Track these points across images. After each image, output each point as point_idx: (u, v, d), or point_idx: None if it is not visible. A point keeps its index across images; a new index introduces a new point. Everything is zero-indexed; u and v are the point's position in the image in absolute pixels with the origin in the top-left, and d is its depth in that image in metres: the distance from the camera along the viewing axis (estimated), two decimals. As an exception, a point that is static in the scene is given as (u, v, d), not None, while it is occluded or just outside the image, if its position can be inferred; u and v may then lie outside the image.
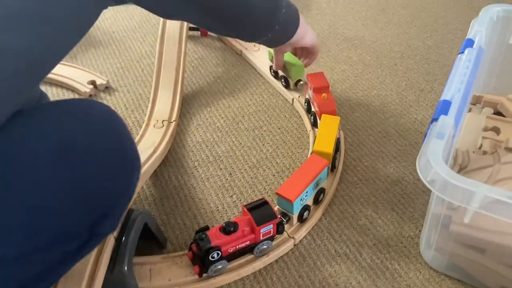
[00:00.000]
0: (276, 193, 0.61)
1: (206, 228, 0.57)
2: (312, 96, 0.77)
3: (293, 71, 0.84)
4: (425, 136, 0.54)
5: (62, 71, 0.93)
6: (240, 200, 0.70)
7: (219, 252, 0.55)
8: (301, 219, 0.64)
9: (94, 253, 0.50)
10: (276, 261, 0.61)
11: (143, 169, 0.66)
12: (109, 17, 1.14)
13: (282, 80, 0.88)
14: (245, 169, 0.75)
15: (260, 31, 0.62)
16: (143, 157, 0.71)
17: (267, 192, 0.71)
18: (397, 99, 0.88)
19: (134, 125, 0.84)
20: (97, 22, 1.22)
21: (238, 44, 1.01)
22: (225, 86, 0.92)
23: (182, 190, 0.72)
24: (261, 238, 0.58)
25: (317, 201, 0.66)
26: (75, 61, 0.99)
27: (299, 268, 0.60)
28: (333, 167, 0.70)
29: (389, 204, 0.68)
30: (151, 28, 1.10)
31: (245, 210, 0.58)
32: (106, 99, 0.89)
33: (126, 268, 0.50)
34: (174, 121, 0.81)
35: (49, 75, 0.93)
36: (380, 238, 0.63)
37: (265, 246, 0.59)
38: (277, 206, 0.63)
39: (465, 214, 0.50)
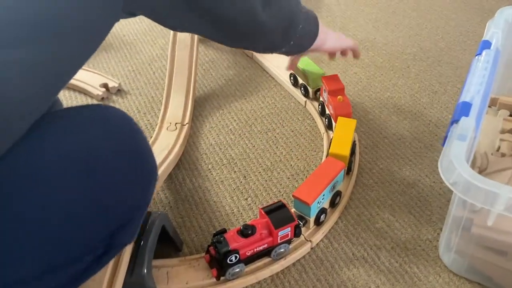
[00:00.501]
0: (293, 196, 0.60)
1: (224, 231, 0.57)
2: (327, 99, 0.77)
3: (312, 79, 0.82)
4: (445, 138, 0.54)
5: (74, 74, 0.93)
6: (255, 203, 0.69)
7: (237, 255, 0.55)
8: (318, 222, 0.63)
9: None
10: (294, 264, 0.61)
11: (158, 172, 0.66)
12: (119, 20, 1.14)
13: (302, 88, 0.86)
14: (259, 172, 0.74)
15: (275, 46, 0.60)
16: (157, 159, 0.70)
17: (282, 195, 0.71)
18: (411, 101, 0.87)
19: (147, 127, 0.84)
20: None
21: (249, 46, 1.01)
22: (237, 89, 0.92)
23: (197, 193, 0.71)
24: (279, 241, 0.58)
25: (333, 204, 0.65)
26: (87, 64, 0.98)
27: (317, 272, 0.60)
28: (348, 170, 0.70)
29: (406, 207, 0.67)
30: (161, 31, 1.10)
31: (263, 212, 0.58)
32: (119, 102, 0.89)
33: (145, 271, 0.49)
34: (187, 123, 0.81)
35: (62, 78, 0.93)
36: (398, 241, 0.63)
37: (282, 250, 0.59)
38: (294, 209, 0.63)
39: (488, 216, 0.50)
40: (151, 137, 0.79)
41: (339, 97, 0.74)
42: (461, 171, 0.47)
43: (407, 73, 0.95)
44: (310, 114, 0.85)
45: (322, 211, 0.63)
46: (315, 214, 0.62)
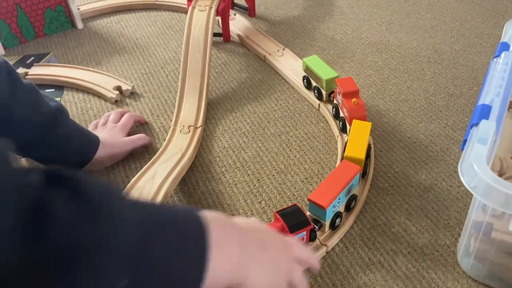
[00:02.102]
0: (308, 199, 0.60)
1: None
2: (341, 101, 0.76)
3: (326, 82, 0.81)
4: (464, 142, 0.53)
5: (88, 77, 0.94)
6: (269, 206, 0.69)
7: None
8: (333, 227, 0.62)
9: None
10: (308, 268, 0.60)
11: (173, 175, 0.65)
12: (132, 24, 1.15)
13: (315, 91, 0.85)
14: (273, 175, 0.74)
15: None
16: (171, 162, 0.70)
17: (296, 198, 0.70)
18: (426, 104, 0.86)
19: (160, 130, 0.84)
20: (120, 28, 1.23)
21: (262, 49, 1.01)
22: (250, 92, 0.92)
23: (210, 196, 0.71)
24: None
25: (348, 207, 0.65)
26: (100, 67, 0.99)
27: (332, 276, 0.59)
28: (364, 174, 0.69)
29: (423, 211, 0.66)
30: (174, 34, 1.11)
31: (278, 216, 0.57)
32: (132, 105, 0.90)
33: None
34: (200, 126, 0.81)
35: (76, 81, 0.94)
36: (415, 246, 0.62)
37: None
38: (309, 213, 0.62)
39: (509, 221, 0.49)
40: (164, 139, 0.79)
41: (353, 99, 0.73)
42: (482, 175, 0.46)
43: (421, 75, 0.93)
44: (323, 117, 0.84)
45: (338, 215, 0.62)
46: (331, 218, 0.61)
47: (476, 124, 0.52)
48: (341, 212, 0.63)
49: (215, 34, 1.04)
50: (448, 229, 0.64)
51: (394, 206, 0.67)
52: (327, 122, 0.83)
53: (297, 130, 0.82)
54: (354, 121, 0.70)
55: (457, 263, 0.59)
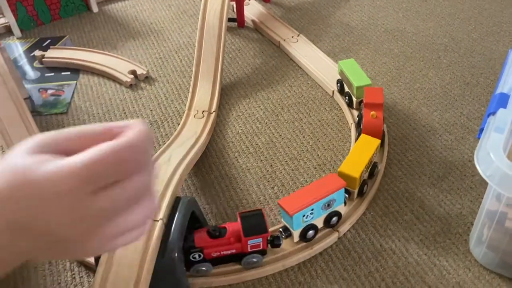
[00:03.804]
0: (278, 203, 0.58)
1: (199, 227, 0.56)
2: (363, 112, 0.72)
3: (357, 89, 0.76)
4: (480, 130, 0.53)
5: (103, 60, 0.95)
6: (282, 192, 0.69)
7: (201, 254, 0.54)
8: (304, 238, 0.59)
9: (144, 238, 0.51)
10: (320, 253, 0.60)
11: (187, 158, 0.66)
12: (147, 8, 1.15)
13: (346, 97, 0.80)
14: (286, 161, 0.74)
15: None
16: (185, 146, 0.71)
17: (309, 184, 0.70)
18: (442, 92, 0.85)
19: (174, 114, 0.84)
20: (135, 12, 1.23)
21: (276, 35, 1.01)
22: (264, 78, 0.92)
23: (223, 180, 0.72)
24: (249, 250, 0.55)
25: (328, 223, 0.60)
26: (115, 51, 1.00)
27: (344, 262, 0.59)
28: (361, 193, 0.65)
29: (436, 200, 0.66)
30: (188, 19, 1.10)
31: (238, 217, 0.56)
32: (146, 89, 0.90)
33: (176, 254, 0.50)
34: (214, 111, 0.81)
35: (92, 65, 0.94)
36: (427, 234, 0.62)
37: (255, 259, 0.56)
38: (283, 219, 0.60)
39: (524, 211, 0.49)
40: (179, 124, 0.79)
41: (372, 112, 0.67)
42: (498, 164, 0.46)
43: (438, 63, 0.92)
44: (337, 104, 0.84)
45: (311, 227, 0.58)
46: (301, 228, 0.58)
47: (493, 113, 0.52)
48: (316, 226, 0.59)
49: (229, 20, 1.04)
50: (461, 218, 0.64)
51: (407, 194, 0.67)
52: (341, 109, 0.83)
53: (310, 116, 0.82)
54: (362, 135, 0.66)
55: (469, 251, 0.59)
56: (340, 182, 0.58)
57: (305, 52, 0.94)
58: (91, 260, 0.59)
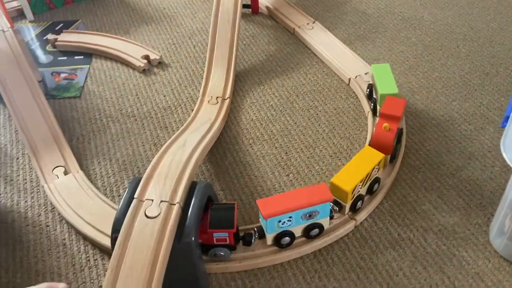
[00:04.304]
0: (256, 202, 0.56)
1: None
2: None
3: (381, 97, 0.71)
4: (505, 118, 0.51)
5: (117, 45, 0.94)
6: (297, 180, 0.69)
7: None
8: (279, 244, 0.57)
9: (160, 222, 0.50)
10: (337, 241, 0.60)
11: (203, 144, 0.65)
12: (159, -7, 1.13)
13: (373, 104, 0.75)
14: (301, 149, 0.73)
15: None
16: (200, 132, 0.70)
17: (324, 172, 0.69)
18: (461, 82, 0.84)
19: (187, 100, 0.83)
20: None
21: (291, 22, 0.99)
22: (278, 65, 0.90)
23: (238, 167, 0.71)
24: (215, 242, 0.54)
25: (308, 234, 0.58)
26: (127, 36, 0.99)
27: (361, 250, 0.59)
28: (353, 209, 0.61)
29: (455, 190, 0.65)
30: (202, 4, 1.09)
31: (209, 208, 0.55)
32: (160, 74, 0.89)
33: (193, 238, 0.50)
34: (228, 98, 0.80)
35: (105, 49, 0.94)
36: (445, 224, 0.61)
37: (222, 253, 0.55)
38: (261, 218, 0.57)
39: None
40: (192, 110, 0.78)
41: (385, 124, 0.63)
42: (527, 152, 0.44)
43: (456, 53, 0.90)
44: (353, 92, 0.83)
45: (287, 234, 0.56)
46: (275, 233, 0.56)
47: (521, 101, 0.50)
48: (293, 234, 0.56)
49: (243, 6, 1.02)
50: (481, 209, 0.62)
51: (426, 184, 0.66)
52: (357, 98, 0.81)
53: (326, 104, 0.81)
54: (366, 147, 0.62)
55: (488, 242, 0.58)
56: (326, 196, 0.55)
57: (321, 39, 0.93)
58: (106, 242, 0.58)
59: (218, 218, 0.54)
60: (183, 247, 0.50)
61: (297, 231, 0.57)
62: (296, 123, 0.78)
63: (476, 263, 0.56)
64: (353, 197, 0.59)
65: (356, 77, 0.83)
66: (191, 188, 0.55)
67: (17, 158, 0.74)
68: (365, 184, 0.60)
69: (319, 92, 0.84)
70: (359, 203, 0.60)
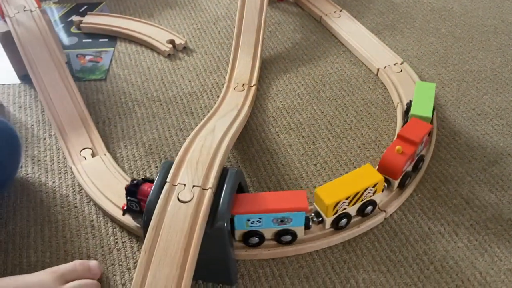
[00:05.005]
0: (235, 195, 0.54)
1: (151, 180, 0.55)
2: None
3: (411, 118, 0.65)
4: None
5: (141, 28, 0.93)
6: (325, 169, 0.68)
7: (138, 205, 0.55)
8: (247, 243, 0.56)
9: (193, 206, 0.50)
10: (366, 233, 0.59)
11: (232, 130, 0.65)
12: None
13: (403, 122, 0.70)
14: (329, 139, 0.72)
15: None
16: (228, 118, 0.69)
17: (353, 163, 0.69)
18: (492, 75, 0.82)
19: (213, 86, 0.83)
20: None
21: (318, 9, 0.97)
22: (304, 53, 0.89)
23: (264, 155, 0.70)
24: None
25: (279, 239, 0.56)
26: (152, 20, 0.98)
27: (391, 243, 0.58)
28: (335, 225, 0.57)
29: (487, 185, 0.64)
30: (226, -10, 1.07)
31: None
32: (185, 60, 0.89)
33: (225, 223, 0.49)
34: (254, 85, 0.79)
35: (129, 32, 0.93)
36: (477, 219, 0.60)
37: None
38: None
39: None
40: (218, 96, 0.78)
41: (398, 147, 0.58)
42: None
43: (487, 46, 0.88)
44: (382, 83, 0.81)
45: (256, 234, 0.55)
46: (244, 230, 0.55)
47: None
48: (262, 235, 0.55)
49: (269, -8, 1.01)
50: (513, 205, 0.61)
51: (457, 178, 0.65)
52: (386, 88, 0.80)
53: (353, 95, 0.80)
54: (367, 165, 0.57)
55: (521, 239, 0.58)
56: (302, 205, 0.52)
57: (348, 28, 0.91)
58: (135, 224, 0.58)
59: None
60: (215, 233, 0.50)
61: (267, 233, 0.56)
62: (323, 112, 0.77)
63: (509, 260, 0.56)
64: (336, 212, 0.55)
65: (385, 68, 0.81)
66: (222, 174, 0.55)
67: (44, 139, 0.74)
68: (353, 203, 0.56)
69: (346, 81, 0.82)
70: (343, 221, 0.57)
